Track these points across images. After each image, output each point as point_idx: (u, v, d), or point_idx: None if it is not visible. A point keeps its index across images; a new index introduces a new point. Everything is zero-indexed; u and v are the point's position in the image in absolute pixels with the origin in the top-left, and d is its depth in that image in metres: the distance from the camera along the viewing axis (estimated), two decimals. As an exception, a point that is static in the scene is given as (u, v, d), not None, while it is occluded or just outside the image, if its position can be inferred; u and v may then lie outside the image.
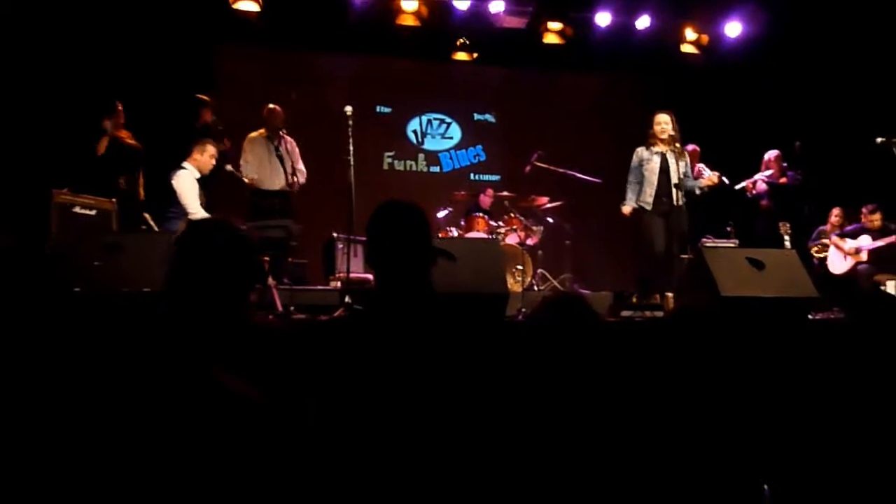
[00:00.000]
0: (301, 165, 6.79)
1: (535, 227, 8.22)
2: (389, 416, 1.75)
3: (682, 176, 6.05)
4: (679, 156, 6.08)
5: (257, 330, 1.82)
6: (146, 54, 7.68)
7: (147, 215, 5.92)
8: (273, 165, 6.74)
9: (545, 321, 2.04)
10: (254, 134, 6.85)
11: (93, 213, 5.60)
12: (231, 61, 8.94)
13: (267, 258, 5.38)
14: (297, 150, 6.85)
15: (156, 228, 5.77)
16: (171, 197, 5.69)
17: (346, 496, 1.63)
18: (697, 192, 6.26)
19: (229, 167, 6.47)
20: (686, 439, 1.96)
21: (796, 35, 8.56)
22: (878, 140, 5.98)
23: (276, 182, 6.73)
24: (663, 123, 6.08)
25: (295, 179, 6.57)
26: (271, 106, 6.89)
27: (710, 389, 2.10)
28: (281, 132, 6.78)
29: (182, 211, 5.63)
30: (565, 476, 1.83)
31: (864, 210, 7.47)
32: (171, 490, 0.84)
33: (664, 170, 6.05)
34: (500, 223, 8.27)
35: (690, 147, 7.81)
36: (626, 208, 6.19)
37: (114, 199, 5.81)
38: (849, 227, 7.70)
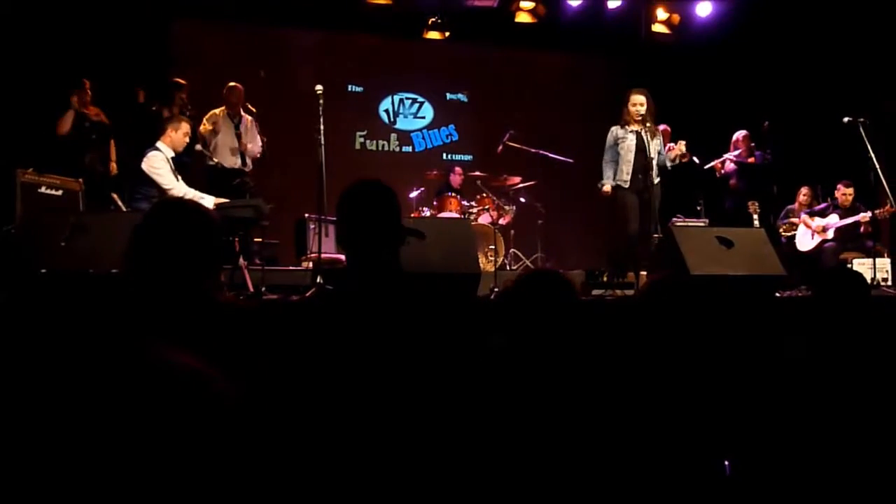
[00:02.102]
0: (257, 140, 6.78)
1: (507, 207, 8.23)
2: (359, 396, 1.75)
3: (657, 153, 6.05)
4: (653, 134, 6.08)
5: (224, 308, 1.79)
6: (104, 30, 7.51)
7: (115, 195, 5.83)
8: (234, 144, 6.72)
9: (522, 296, 2.04)
10: (215, 111, 6.79)
11: (59, 192, 5.50)
12: (191, 36, 8.78)
13: (237, 238, 5.32)
14: (255, 127, 6.81)
15: (124, 208, 5.68)
16: (141, 177, 5.59)
17: (313, 476, 1.63)
18: (669, 165, 6.23)
19: (199, 147, 6.40)
20: (653, 416, 1.99)
21: (766, 16, 8.62)
22: (846, 120, 6.06)
23: (236, 161, 6.72)
24: (638, 105, 6.08)
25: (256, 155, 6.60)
26: (232, 84, 6.83)
27: (678, 367, 2.12)
28: (241, 111, 6.75)
29: (151, 192, 5.54)
30: (537, 452, 1.84)
31: (839, 185, 7.55)
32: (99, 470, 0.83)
33: (640, 148, 6.05)
34: (473, 203, 8.27)
35: (661, 127, 7.85)
36: (607, 186, 6.06)
37: (80, 179, 5.71)
38: (818, 206, 7.81)
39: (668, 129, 7.94)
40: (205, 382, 0.88)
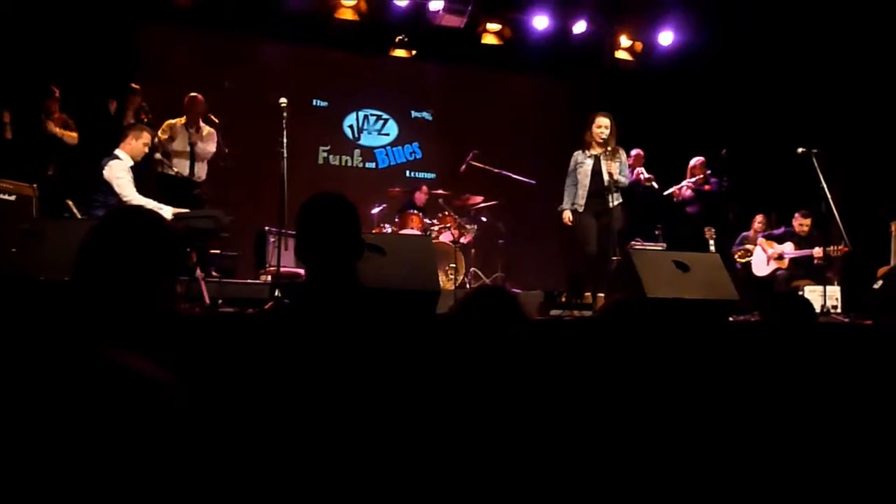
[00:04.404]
0: (211, 147, 6.75)
1: (468, 226, 8.26)
2: (311, 410, 1.74)
3: (616, 176, 6.11)
4: (612, 157, 6.16)
5: (175, 319, 1.77)
6: (67, 35, 7.41)
7: (70, 202, 5.73)
8: (186, 154, 6.67)
9: (467, 313, 2.05)
10: (173, 121, 6.75)
11: (12, 198, 5.39)
12: (156, 43, 8.69)
13: (195, 249, 5.26)
14: (213, 139, 6.77)
15: (78, 216, 5.58)
16: (99, 185, 5.51)
17: (256, 485, 1.61)
18: (623, 181, 6.28)
19: (158, 155, 6.33)
20: (604, 436, 2.00)
21: (726, 46, 8.84)
22: (800, 150, 6.21)
23: (186, 171, 6.70)
24: (603, 127, 6.16)
25: (225, 163, 6.56)
26: (193, 94, 6.79)
27: (631, 388, 2.15)
28: (201, 121, 6.71)
29: (110, 199, 5.46)
30: (486, 471, 1.84)
31: (797, 214, 7.70)
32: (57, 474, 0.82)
33: (596, 171, 6.13)
34: (435, 221, 8.29)
35: (635, 151, 8.00)
36: (566, 214, 6.14)
37: (34, 185, 5.60)
38: (776, 231, 7.95)
39: (642, 153, 8.08)
40: (155, 386, 0.88)
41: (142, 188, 5.66)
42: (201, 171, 6.75)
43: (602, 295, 5.79)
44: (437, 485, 1.81)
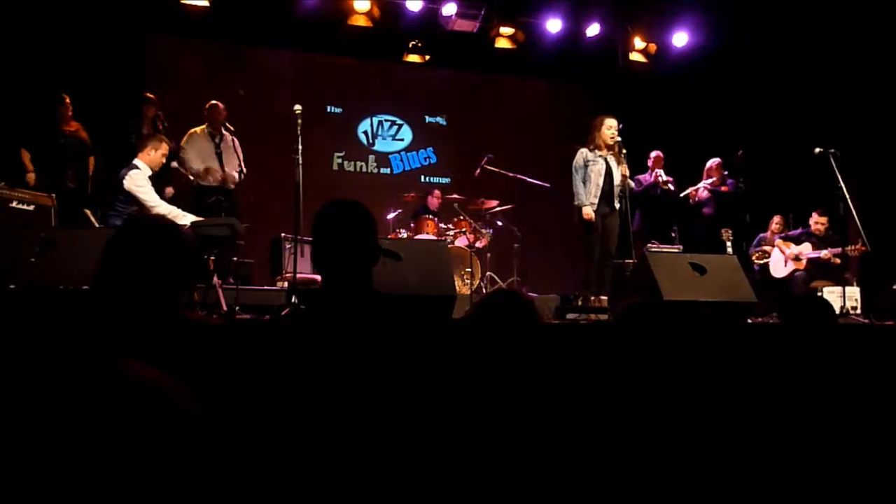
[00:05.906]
0: (235, 161, 6.75)
1: (484, 230, 8.26)
2: (327, 416, 1.73)
3: (627, 179, 6.15)
4: (618, 160, 6.16)
5: (191, 325, 1.78)
6: (77, 44, 7.46)
7: (88, 211, 5.78)
8: (214, 163, 6.68)
9: (483, 318, 2.05)
10: (196, 129, 6.77)
11: (30, 207, 5.44)
12: (167, 53, 8.75)
13: (212, 257, 5.29)
14: (235, 146, 6.78)
15: (96, 225, 5.63)
16: (118, 194, 5.56)
17: (276, 495, 1.61)
18: (632, 184, 6.30)
19: (174, 164, 6.37)
20: (622, 440, 1.99)
21: (740, 47, 8.79)
22: (816, 150, 6.17)
23: (217, 179, 6.69)
24: (614, 128, 6.16)
25: (241, 177, 6.54)
26: (213, 102, 6.82)
27: (649, 392, 2.13)
28: (223, 129, 6.72)
29: (128, 209, 5.51)
30: (503, 476, 1.83)
31: (813, 214, 7.65)
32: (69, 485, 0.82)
33: (608, 173, 6.14)
34: (450, 225, 8.30)
35: (655, 153, 7.98)
36: (588, 211, 6.05)
37: (52, 195, 5.65)
38: (793, 232, 7.89)
39: (661, 154, 8.04)
40: (171, 398, 0.88)
41: (161, 197, 5.72)
42: (231, 178, 6.75)
43: (605, 298, 5.82)
44: (453, 489, 1.81)
